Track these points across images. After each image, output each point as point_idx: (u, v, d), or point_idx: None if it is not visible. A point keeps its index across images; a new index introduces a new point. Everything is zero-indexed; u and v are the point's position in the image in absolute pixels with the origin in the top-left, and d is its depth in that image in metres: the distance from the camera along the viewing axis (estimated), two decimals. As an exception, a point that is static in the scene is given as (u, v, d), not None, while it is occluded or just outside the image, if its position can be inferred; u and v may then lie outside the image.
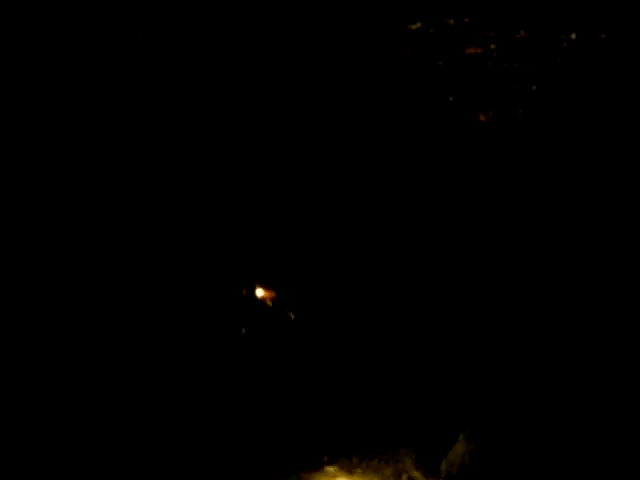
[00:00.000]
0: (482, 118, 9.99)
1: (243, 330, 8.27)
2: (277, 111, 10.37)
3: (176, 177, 9.85)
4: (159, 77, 10.37)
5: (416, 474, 6.23)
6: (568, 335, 8.44)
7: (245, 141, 10.15)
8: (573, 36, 9.82)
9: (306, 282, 9.08)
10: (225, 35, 10.60)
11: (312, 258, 9.40)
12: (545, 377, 7.92)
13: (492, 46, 10.18)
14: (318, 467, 6.38)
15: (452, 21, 10.73)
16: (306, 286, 9.00)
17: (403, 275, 9.32)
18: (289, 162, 10.07)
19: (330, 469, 6.28)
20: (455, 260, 9.44)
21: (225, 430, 7.25)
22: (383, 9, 10.71)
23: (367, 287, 9.16)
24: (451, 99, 10.15)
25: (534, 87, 9.88)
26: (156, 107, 10.27)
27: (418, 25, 10.72)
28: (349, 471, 6.27)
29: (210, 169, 9.95)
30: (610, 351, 8.17)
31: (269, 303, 8.55)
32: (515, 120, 9.94)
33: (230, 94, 10.35)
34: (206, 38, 10.56)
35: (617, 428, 7.17)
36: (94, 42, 10.21)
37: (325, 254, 9.46)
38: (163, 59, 10.39)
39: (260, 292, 8.55)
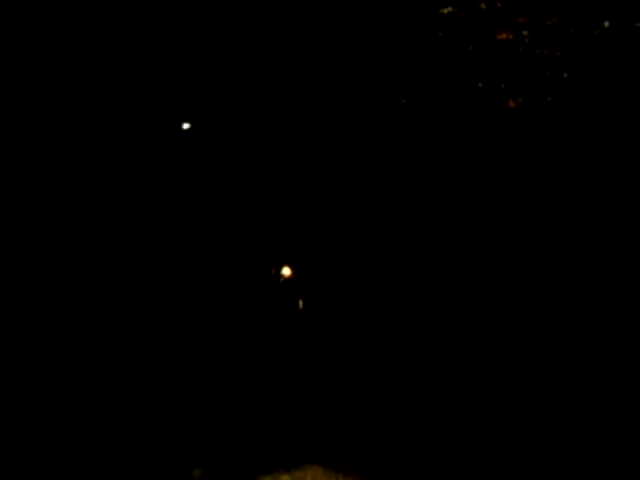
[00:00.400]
0: (511, 104, 9.95)
1: (270, 305, 8.49)
2: (296, 95, 10.37)
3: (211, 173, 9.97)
4: (160, 77, 10.39)
5: None
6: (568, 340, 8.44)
7: (273, 134, 10.18)
8: (606, 24, 9.74)
9: (325, 267, 9.19)
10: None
11: (333, 245, 9.46)
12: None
13: (524, 32, 10.12)
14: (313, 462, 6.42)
15: (484, 5, 10.70)
16: (324, 270, 9.13)
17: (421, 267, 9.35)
18: (313, 152, 10.09)
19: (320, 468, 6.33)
20: (480, 252, 9.44)
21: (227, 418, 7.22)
22: (415, -8, 10.67)
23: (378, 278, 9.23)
24: (480, 85, 10.10)
25: (565, 75, 9.82)
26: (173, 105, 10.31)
27: (450, 9, 10.68)
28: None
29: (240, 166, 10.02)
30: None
31: (293, 282, 8.75)
32: (544, 107, 9.89)
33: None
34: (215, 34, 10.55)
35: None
36: (94, 42, 10.24)
37: (348, 242, 9.50)
38: (163, 59, 10.41)
39: (287, 271, 8.77)
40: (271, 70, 10.34)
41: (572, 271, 9.00)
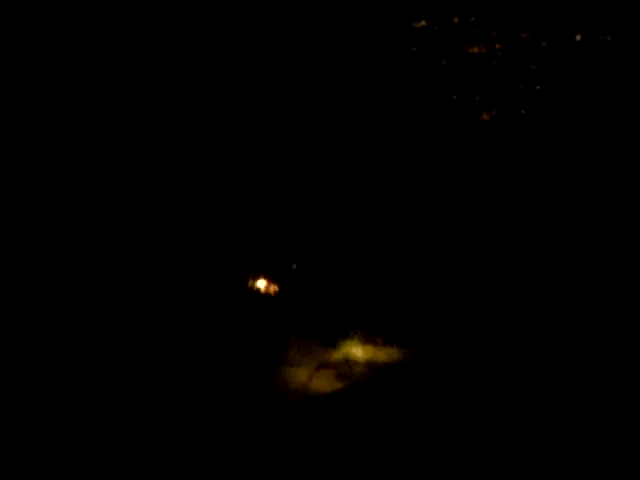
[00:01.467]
0: (485, 117, 10.00)
1: (249, 315, 8.55)
2: (279, 112, 10.37)
3: (186, 180, 9.99)
4: (160, 77, 10.35)
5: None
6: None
7: (251, 144, 10.18)
8: (578, 37, 9.85)
9: (302, 275, 9.23)
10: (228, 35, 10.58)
11: (309, 253, 9.45)
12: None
13: (497, 45, 10.20)
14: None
15: (457, 19, 10.75)
16: (302, 278, 9.18)
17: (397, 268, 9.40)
18: (293, 163, 10.09)
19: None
20: (454, 255, 9.46)
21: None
22: (389, 7, 10.72)
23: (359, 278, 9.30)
24: (454, 98, 10.15)
25: (538, 87, 9.90)
26: (160, 107, 10.28)
27: (423, 23, 10.74)
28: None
29: (221, 173, 10.06)
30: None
31: (270, 292, 8.78)
32: (518, 120, 9.96)
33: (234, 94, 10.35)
34: (209, 38, 10.53)
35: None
36: (95, 42, 10.17)
37: (322, 249, 9.50)
38: (164, 59, 10.36)
39: (262, 283, 8.79)
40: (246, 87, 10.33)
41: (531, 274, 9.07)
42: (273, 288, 8.75)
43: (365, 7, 10.51)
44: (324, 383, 7.63)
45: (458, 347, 8.24)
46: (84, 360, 7.89)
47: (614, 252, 9.18)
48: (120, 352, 8.01)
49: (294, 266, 9.31)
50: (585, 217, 9.43)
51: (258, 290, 8.78)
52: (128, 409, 7.23)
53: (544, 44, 10.01)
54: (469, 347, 8.22)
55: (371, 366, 7.92)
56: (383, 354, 8.02)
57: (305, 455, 6.76)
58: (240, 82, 10.49)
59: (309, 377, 7.73)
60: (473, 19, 10.31)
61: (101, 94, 10.23)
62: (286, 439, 6.90)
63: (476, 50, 10.29)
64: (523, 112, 9.95)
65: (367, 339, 8.21)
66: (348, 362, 7.94)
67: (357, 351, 8.11)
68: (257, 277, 8.82)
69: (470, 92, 10.23)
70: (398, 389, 7.60)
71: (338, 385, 7.61)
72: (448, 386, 7.65)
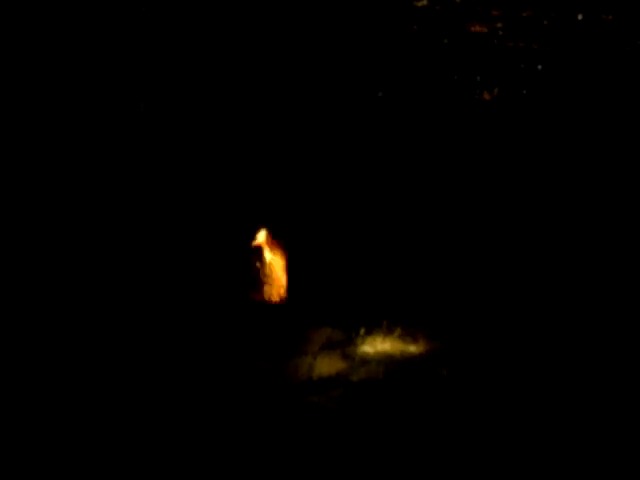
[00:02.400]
0: (487, 96, 10.01)
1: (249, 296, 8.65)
2: (279, 89, 10.37)
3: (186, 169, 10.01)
4: (159, 77, 10.35)
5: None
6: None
7: (251, 129, 10.19)
8: (580, 16, 9.83)
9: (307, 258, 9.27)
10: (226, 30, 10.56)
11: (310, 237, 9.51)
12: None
13: (498, 25, 10.18)
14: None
15: (458, -2, 10.73)
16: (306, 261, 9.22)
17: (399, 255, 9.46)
18: (295, 143, 10.11)
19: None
20: (452, 244, 9.51)
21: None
22: (390, -15, 10.68)
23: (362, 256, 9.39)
24: (456, 77, 10.15)
25: (539, 67, 9.90)
26: (159, 108, 10.29)
27: (424, 2, 10.71)
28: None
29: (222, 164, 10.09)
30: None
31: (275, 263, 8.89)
32: (520, 100, 9.97)
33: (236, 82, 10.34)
34: (206, 37, 10.51)
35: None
36: (94, 42, 10.17)
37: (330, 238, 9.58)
38: (163, 59, 10.36)
39: (268, 255, 8.85)
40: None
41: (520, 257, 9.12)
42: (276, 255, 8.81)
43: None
44: (328, 364, 7.73)
45: (464, 337, 8.32)
46: (87, 349, 7.94)
47: (622, 231, 9.27)
48: (123, 340, 8.06)
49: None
50: (588, 196, 9.49)
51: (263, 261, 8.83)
52: (132, 400, 7.28)
53: (545, 22, 9.99)
54: (472, 334, 8.31)
55: (374, 346, 8.07)
56: (387, 339, 8.15)
57: (306, 438, 6.82)
58: (239, 62, 10.49)
59: (313, 356, 7.81)
60: (475, -2, 10.28)
61: (100, 94, 10.25)
62: (287, 423, 6.94)
63: (477, 29, 10.26)
64: (525, 92, 9.96)
65: (371, 321, 8.32)
66: (351, 341, 8.05)
67: (361, 331, 8.23)
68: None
69: (471, 71, 10.22)
70: (401, 375, 7.69)
71: (342, 365, 7.72)
72: (451, 376, 7.71)
